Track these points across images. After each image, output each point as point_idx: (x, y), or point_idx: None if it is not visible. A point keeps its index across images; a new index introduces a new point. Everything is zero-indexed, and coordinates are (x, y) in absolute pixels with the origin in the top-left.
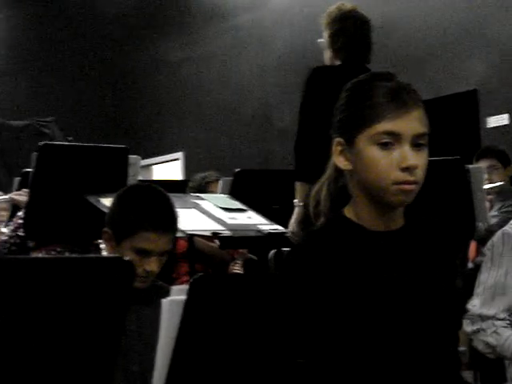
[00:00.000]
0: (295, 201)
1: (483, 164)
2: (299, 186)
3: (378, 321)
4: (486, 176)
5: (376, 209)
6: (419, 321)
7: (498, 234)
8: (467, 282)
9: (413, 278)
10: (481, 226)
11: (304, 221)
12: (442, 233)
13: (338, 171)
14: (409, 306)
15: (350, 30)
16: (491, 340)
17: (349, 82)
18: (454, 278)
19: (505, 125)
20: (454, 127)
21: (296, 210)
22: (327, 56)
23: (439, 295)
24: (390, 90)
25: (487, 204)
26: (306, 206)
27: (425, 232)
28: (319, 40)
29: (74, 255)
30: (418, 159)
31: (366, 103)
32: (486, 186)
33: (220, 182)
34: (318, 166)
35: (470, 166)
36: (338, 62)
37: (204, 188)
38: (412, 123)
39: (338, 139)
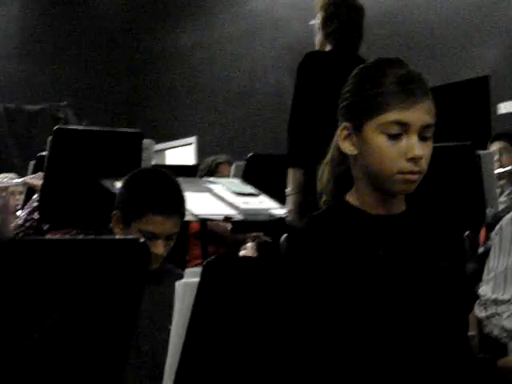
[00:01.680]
0: (287, 190)
1: (495, 147)
2: (292, 172)
3: (381, 305)
4: (496, 158)
5: (377, 194)
6: (421, 306)
7: (507, 218)
8: (478, 267)
9: (414, 261)
10: (489, 211)
11: (300, 208)
12: (443, 218)
13: (342, 154)
14: (410, 290)
15: (344, 16)
16: (507, 324)
17: (339, 68)
18: (459, 263)
19: None
20: (464, 113)
21: (290, 199)
22: (318, 39)
23: (441, 280)
24: (400, 79)
25: (497, 190)
26: (302, 193)
27: (426, 217)
28: (311, 22)
29: (89, 237)
30: (424, 150)
31: (375, 91)
32: (497, 171)
33: (232, 167)
34: (312, 152)
35: (481, 152)
36: (328, 47)
37: (214, 170)
38: (421, 114)
39: (344, 123)
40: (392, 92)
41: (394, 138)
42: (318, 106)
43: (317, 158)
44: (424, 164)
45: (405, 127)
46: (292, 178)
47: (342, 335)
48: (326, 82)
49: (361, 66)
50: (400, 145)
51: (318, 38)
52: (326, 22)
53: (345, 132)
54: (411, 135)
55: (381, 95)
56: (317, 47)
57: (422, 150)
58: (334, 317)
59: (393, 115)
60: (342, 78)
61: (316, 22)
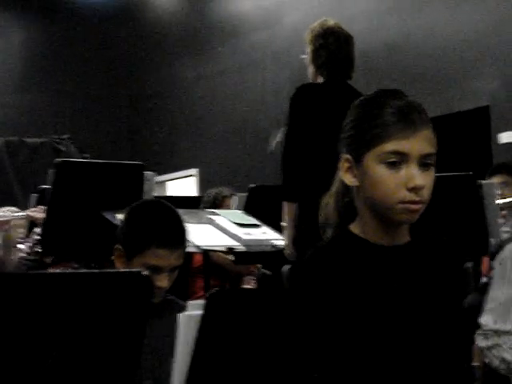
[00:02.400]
0: (283, 223)
1: (496, 180)
2: (288, 207)
3: (382, 335)
4: (499, 192)
5: (381, 225)
6: (421, 336)
7: (509, 248)
8: (481, 297)
9: (417, 293)
10: (492, 241)
11: (297, 241)
12: (445, 249)
13: (346, 186)
14: (412, 321)
15: (332, 46)
16: (507, 356)
17: (332, 99)
18: (459, 295)
19: None
20: (465, 143)
21: (286, 232)
22: (310, 72)
23: (441, 311)
24: (399, 109)
25: (501, 220)
26: (297, 227)
27: (430, 248)
28: (302, 56)
29: (92, 270)
30: (425, 179)
31: (374, 122)
32: (500, 201)
33: (235, 198)
34: (306, 185)
35: (483, 182)
36: (320, 79)
37: (220, 203)
38: (420, 143)
39: (345, 156)
40: (390, 123)
41: (394, 167)
42: (311, 139)
43: (311, 191)
44: (426, 193)
45: (404, 157)
46: (287, 211)
47: (346, 364)
48: (319, 114)
49: (361, 97)
50: (400, 174)
51: (310, 70)
52: (315, 55)
53: (346, 164)
54: (411, 164)
55: (380, 126)
56: (310, 80)
57: (422, 179)
58: (339, 346)
59: (391, 145)
60: (335, 109)
61: (306, 55)
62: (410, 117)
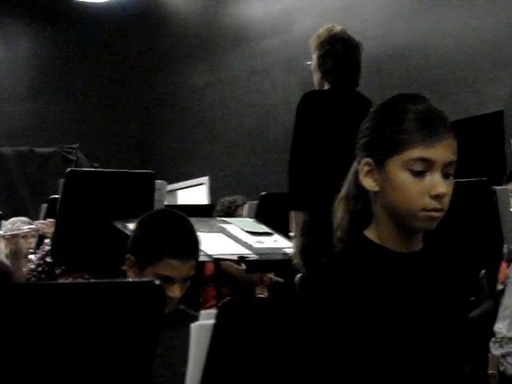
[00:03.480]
0: (291, 233)
1: None
2: (295, 216)
3: (402, 344)
4: None
5: (399, 231)
6: (435, 343)
7: None
8: (496, 304)
9: (432, 300)
10: (506, 247)
11: (306, 250)
12: (458, 257)
13: (359, 190)
14: (429, 329)
15: (339, 52)
16: None
17: (338, 106)
18: (467, 301)
19: None
20: (479, 148)
21: (294, 242)
22: (316, 78)
23: (453, 318)
24: (422, 115)
25: None
26: (304, 236)
27: (443, 255)
28: (308, 62)
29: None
30: (447, 187)
31: (397, 127)
32: None
33: (246, 206)
34: (313, 194)
35: (497, 188)
36: (326, 85)
37: (233, 212)
38: (444, 151)
39: (366, 159)
40: (415, 129)
41: (418, 174)
42: (317, 146)
43: (319, 199)
44: (447, 201)
45: (429, 164)
46: (294, 220)
47: (364, 368)
48: (325, 121)
49: (381, 102)
50: (424, 182)
51: (316, 77)
52: (321, 61)
53: (366, 168)
54: (435, 172)
55: (403, 132)
56: (316, 87)
57: (445, 187)
58: (357, 356)
59: (417, 152)
60: (341, 115)
61: (312, 61)
62: (433, 123)
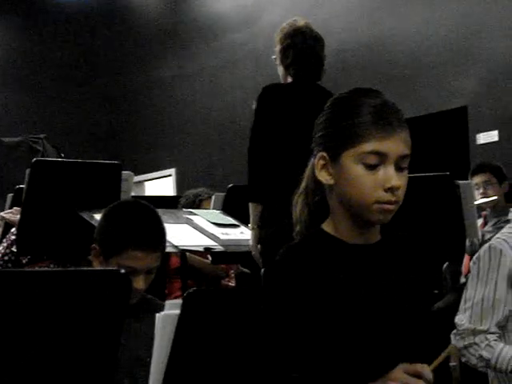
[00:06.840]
0: (250, 225)
1: (479, 179)
2: (252, 208)
3: (357, 333)
4: (481, 191)
5: (354, 224)
6: (394, 333)
7: (485, 248)
8: (458, 297)
9: (389, 291)
10: (475, 241)
11: (262, 243)
12: (417, 248)
13: (317, 184)
14: (385, 319)
15: (299, 46)
16: (485, 353)
17: (298, 100)
18: (428, 293)
19: (494, 141)
20: (443, 144)
21: (251, 233)
22: (280, 72)
23: (411, 309)
24: (376, 109)
25: (480, 220)
26: (260, 228)
27: (401, 247)
28: (273, 56)
29: (70, 268)
30: (401, 180)
31: (352, 121)
32: (480, 201)
33: (212, 198)
34: (271, 186)
35: (460, 182)
36: (290, 79)
37: (197, 206)
38: (398, 144)
39: (321, 153)
40: (369, 122)
41: (372, 168)
42: (276, 139)
43: (278, 191)
44: (401, 194)
45: (382, 157)
46: (252, 212)
47: (322, 362)
48: (285, 115)
49: (336, 95)
50: (377, 175)
51: (280, 71)
52: (283, 55)
53: (321, 162)
54: (388, 165)
55: (357, 125)
56: (281, 80)
57: (399, 180)
58: (315, 344)
59: (370, 145)
60: (301, 109)
61: (276, 55)
62: (387, 117)
